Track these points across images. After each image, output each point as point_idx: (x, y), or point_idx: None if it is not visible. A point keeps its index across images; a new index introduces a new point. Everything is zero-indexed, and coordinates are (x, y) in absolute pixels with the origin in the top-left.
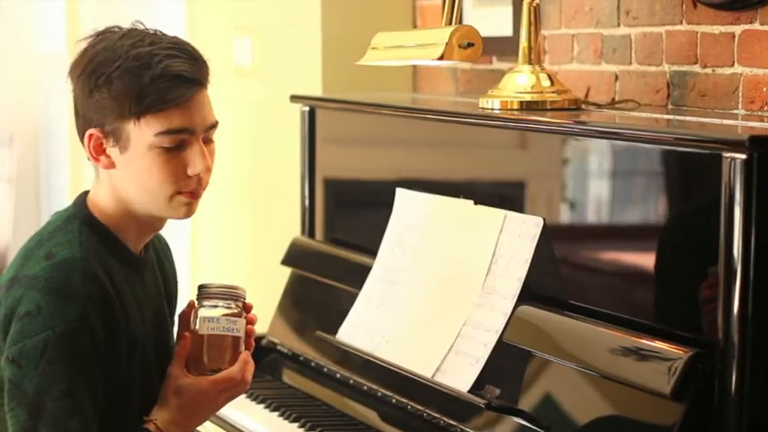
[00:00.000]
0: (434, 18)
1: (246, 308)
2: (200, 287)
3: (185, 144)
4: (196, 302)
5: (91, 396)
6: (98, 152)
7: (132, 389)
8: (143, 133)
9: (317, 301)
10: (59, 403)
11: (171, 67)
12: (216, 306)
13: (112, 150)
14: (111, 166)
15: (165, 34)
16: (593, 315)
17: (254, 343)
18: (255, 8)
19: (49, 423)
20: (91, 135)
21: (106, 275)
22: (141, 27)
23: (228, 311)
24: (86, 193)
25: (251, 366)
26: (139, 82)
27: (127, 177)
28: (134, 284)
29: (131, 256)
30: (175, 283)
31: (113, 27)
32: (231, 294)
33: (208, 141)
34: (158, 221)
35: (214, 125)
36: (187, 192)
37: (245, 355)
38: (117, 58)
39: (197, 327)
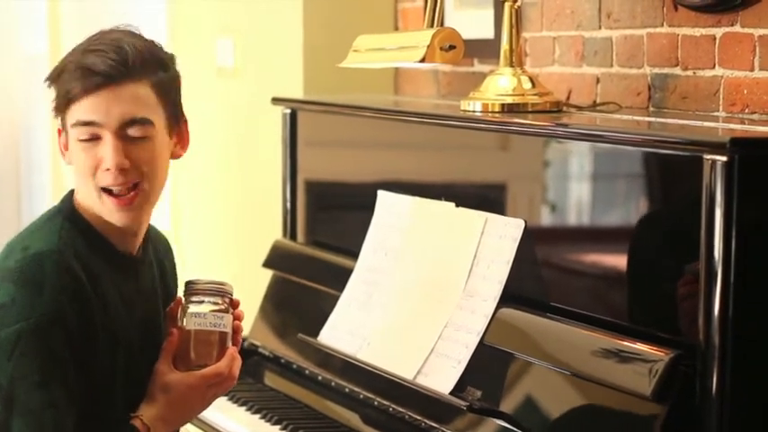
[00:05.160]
0: (416, 20)
1: (233, 304)
2: (188, 283)
3: (101, 138)
4: (183, 299)
5: (65, 388)
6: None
7: (115, 386)
8: (68, 126)
9: (298, 304)
10: (32, 394)
11: (83, 60)
12: (203, 302)
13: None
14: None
15: (119, 32)
16: (575, 317)
17: (241, 339)
18: (238, 9)
19: (23, 414)
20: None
21: (83, 270)
22: (121, 28)
23: (215, 307)
24: (74, 190)
25: (238, 362)
26: (65, 76)
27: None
28: (120, 282)
29: (116, 254)
30: (175, 285)
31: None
32: (218, 290)
33: (131, 138)
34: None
35: (135, 121)
36: (107, 189)
37: (233, 350)
38: (66, 57)
39: (184, 323)
